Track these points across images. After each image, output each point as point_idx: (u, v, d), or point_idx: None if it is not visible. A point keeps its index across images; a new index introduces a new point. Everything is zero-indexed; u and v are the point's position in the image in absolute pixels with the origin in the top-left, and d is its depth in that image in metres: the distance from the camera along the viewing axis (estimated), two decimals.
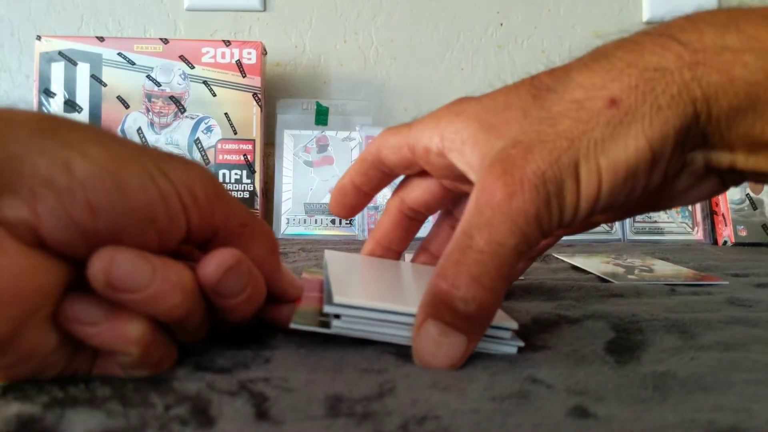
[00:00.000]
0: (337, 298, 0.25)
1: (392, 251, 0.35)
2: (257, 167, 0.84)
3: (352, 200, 0.34)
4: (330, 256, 0.34)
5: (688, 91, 0.23)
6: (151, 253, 0.20)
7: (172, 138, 0.84)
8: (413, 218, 0.35)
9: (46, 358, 0.20)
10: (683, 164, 0.25)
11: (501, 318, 0.26)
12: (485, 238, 0.23)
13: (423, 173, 0.33)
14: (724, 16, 0.23)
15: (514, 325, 0.26)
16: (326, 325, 0.26)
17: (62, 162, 0.19)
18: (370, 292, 0.28)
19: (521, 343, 0.26)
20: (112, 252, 0.19)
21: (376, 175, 0.33)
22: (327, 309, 0.25)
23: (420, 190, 0.33)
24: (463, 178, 0.30)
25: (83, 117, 0.83)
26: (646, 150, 0.23)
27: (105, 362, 0.22)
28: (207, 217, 0.22)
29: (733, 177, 0.26)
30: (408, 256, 0.37)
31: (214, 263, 0.22)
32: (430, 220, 0.36)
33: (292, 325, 0.25)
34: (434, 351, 0.24)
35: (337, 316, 0.25)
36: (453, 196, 0.34)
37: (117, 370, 0.22)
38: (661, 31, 0.24)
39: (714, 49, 0.23)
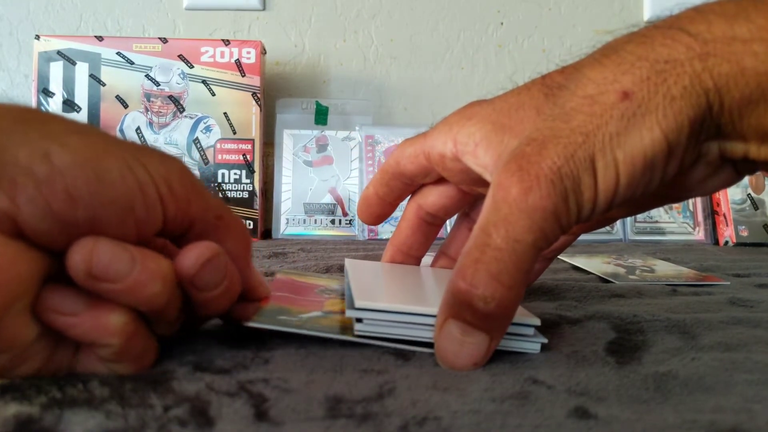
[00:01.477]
0: (358, 302, 0.25)
1: (412, 257, 0.36)
2: (256, 167, 0.84)
3: (377, 210, 0.35)
4: (350, 264, 0.35)
5: (699, 82, 0.23)
6: (130, 244, 0.21)
7: (171, 137, 0.84)
8: (431, 223, 0.35)
9: (26, 349, 0.20)
10: (698, 155, 0.25)
11: (523, 314, 0.26)
12: (503, 235, 0.23)
13: (440, 179, 0.33)
14: (733, 7, 0.23)
15: (537, 321, 0.26)
16: (288, 324, 0.26)
17: (42, 152, 0.19)
18: (391, 296, 0.29)
19: (544, 340, 0.26)
20: (92, 242, 0.19)
21: (397, 185, 0.34)
22: (349, 313, 0.25)
23: (436, 195, 0.34)
24: (479, 181, 0.30)
25: (82, 116, 0.82)
26: (662, 141, 0.23)
27: (87, 356, 0.22)
28: (184, 209, 0.22)
29: (746, 166, 0.26)
30: (428, 260, 0.37)
31: (193, 255, 0.22)
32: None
33: (250, 324, 0.25)
34: (457, 351, 0.24)
35: (360, 320, 0.25)
36: (470, 199, 0.34)
37: (99, 365, 0.22)
38: (670, 24, 0.24)
39: (724, 39, 0.22)
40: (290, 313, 0.27)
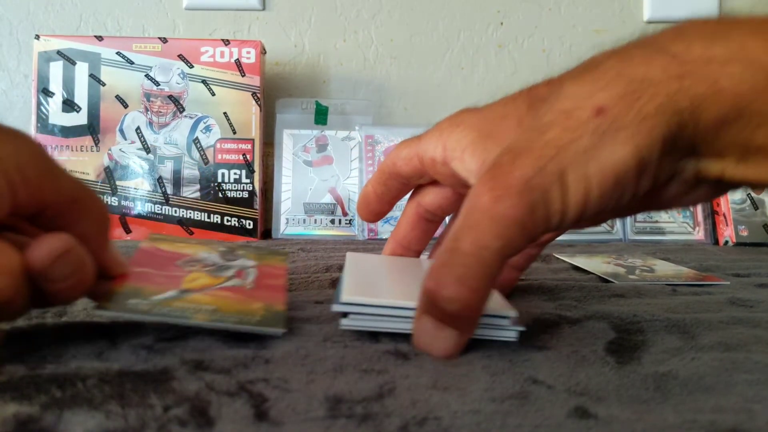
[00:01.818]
0: (345, 297, 0.26)
1: (412, 250, 0.37)
2: (256, 167, 0.84)
3: (375, 207, 0.36)
4: (350, 257, 0.36)
5: (674, 102, 0.23)
6: None
7: (171, 137, 0.84)
8: (430, 220, 0.36)
9: None
10: (674, 172, 0.26)
11: (500, 306, 0.27)
12: (471, 240, 0.23)
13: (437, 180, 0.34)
14: (713, 27, 0.24)
15: (513, 313, 0.27)
16: (137, 310, 0.25)
17: None
18: (382, 290, 0.30)
19: (522, 328, 0.27)
20: None
21: (394, 185, 0.35)
22: (335, 308, 0.27)
23: (434, 194, 0.35)
24: (468, 185, 0.31)
25: (82, 116, 0.82)
26: (633, 156, 0.23)
27: None
28: (34, 194, 0.22)
29: (725, 183, 0.26)
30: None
31: (45, 249, 0.22)
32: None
33: (98, 312, 0.25)
34: (430, 343, 0.25)
35: (345, 315, 0.27)
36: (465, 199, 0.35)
37: None
38: (650, 42, 0.25)
39: (701, 60, 0.23)
40: (143, 295, 0.27)
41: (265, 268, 0.33)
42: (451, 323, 0.25)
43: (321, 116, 0.90)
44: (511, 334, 0.27)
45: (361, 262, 0.35)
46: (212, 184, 0.83)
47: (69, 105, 0.83)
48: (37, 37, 0.83)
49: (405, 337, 0.27)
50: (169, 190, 0.82)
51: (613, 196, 0.24)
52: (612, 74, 0.24)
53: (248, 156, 0.84)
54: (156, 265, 0.31)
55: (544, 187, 0.23)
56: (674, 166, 0.25)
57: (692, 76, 0.23)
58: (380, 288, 0.31)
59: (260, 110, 0.84)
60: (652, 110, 0.23)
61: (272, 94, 0.96)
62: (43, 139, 0.81)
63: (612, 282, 0.47)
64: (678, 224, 0.88)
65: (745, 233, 0.85)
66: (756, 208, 0.87)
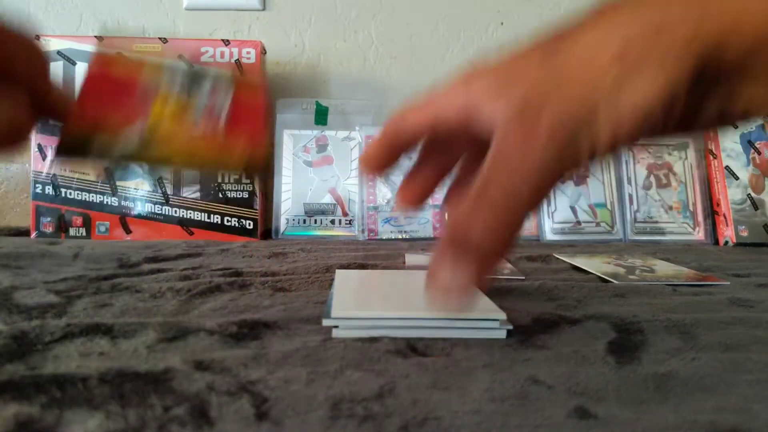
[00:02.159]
0: (334, 312, 0.29)
1: (422, 188, 0.34)
2: None
3: (380, 156, 0.32)
4: (339, 274, 0.38)
5: (698, 35, 0.24)
6: None
7: None
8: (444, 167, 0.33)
9: None
10: (702, 102, 0.26)
11: (490, 309, 0.29)
12: (502, 179, 0.24)
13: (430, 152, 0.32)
14: None
15: (502, 315, 0.28)
16: (106, 152, 0.24)
17: None
18: (366, 302, 0.32)
19: (510, 326, 0.29)
20: None
21: (400, 143, 0.31)
22: (326, 323, 0.29)
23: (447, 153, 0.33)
24: (489, 133, 0.30)
25: None
26: (661, 90, 0.24)
27: None
28: None
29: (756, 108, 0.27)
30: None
31: None
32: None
33: (62, 159, 0.25)
34: (446, 276, 0.25)
35: (336, 327, 0.29)
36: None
37: None
38: None
39: None
40: (105, 133, 0.25)
41: (237, 98, 0.29)
42: (472, 259, 0.25)
43: (321, 116, 0.90)
44: (500, 333, 0.29)
45: (349, 279, 0.37)
46: (212, 185, 0.83)
47: None
48: (37, 37, 0.83)
49: (405, 337, 0.27)
50: (169, 190, 0.82)
51: (643, 130, 0.24)
52: (631, 16, 0.25)
53: None
54: (114, 86, 0.27)
55: (575, 125, 0.24)
56: (703, 97, 0.25)
57: (712, 11, 0.24)
58: (368, 301, 0.33)
59: None
60: (678, 46, 0.24)
61: (272, 94, 0.96)
62: (43, 139, 0.81)
63: (612, 282, 0.47)
64: (678, 224, 0.88)
65: (745, 233, 0.85)
66: (756, 208, 0.87)
